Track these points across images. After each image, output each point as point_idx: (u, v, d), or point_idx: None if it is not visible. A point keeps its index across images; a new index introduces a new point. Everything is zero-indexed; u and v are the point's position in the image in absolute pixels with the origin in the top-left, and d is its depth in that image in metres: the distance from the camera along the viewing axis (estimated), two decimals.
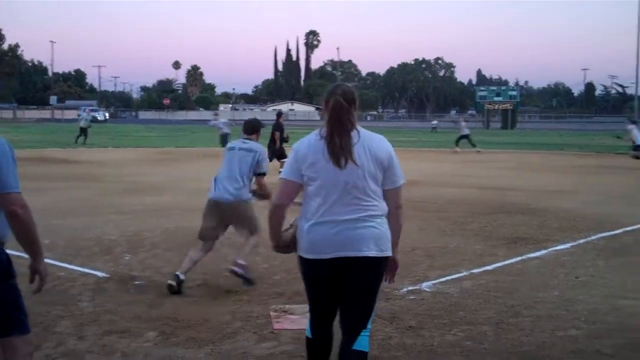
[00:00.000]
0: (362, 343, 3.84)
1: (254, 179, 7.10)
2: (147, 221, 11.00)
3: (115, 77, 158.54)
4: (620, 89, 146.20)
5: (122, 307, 6.30)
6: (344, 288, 3.85)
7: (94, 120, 63.31)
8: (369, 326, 3.90)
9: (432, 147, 37.32)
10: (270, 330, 5.67)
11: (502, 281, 7.38)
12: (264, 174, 7.13)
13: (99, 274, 7.53)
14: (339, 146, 3.72)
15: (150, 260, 8.21)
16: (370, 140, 3.83)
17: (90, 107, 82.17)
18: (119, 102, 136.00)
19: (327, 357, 4.07)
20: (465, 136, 33.00)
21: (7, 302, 3.48)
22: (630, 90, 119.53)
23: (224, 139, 26.75)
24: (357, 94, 3.88)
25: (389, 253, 3.86)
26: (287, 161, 3.97)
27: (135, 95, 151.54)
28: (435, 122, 68.92)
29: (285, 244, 4.02)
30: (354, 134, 3.78)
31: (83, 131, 34.22)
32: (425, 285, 7.11)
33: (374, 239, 3.78)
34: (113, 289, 6.93)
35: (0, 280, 3.44)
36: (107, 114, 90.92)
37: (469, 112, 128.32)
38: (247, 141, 7.28)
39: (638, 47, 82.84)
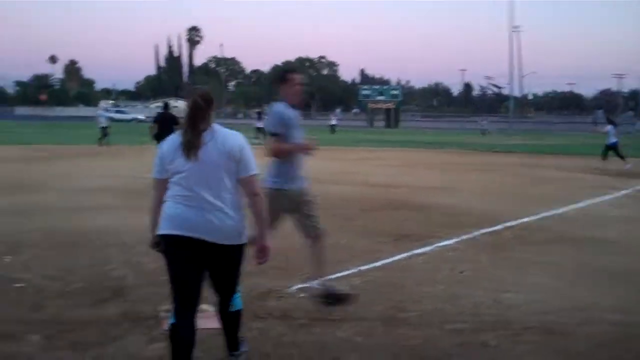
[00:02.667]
0: (236, 303, 4.58)
1: None
2: (24, 221, 10.56)
3: None
4: (496, 90, 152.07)
5: (3, 310, 6.02)
6: (210, 271, 4.32)
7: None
8: (239, 288, 4.55)
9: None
10: (160, 331, 5.55)
11: (390, 277, 7.51)
12: None
13: None
14: (189, 141, 4.15)
15: (31, 262, 7.87)
16: (224, 136, 4.26)
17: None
18: None
19: (192, 349, 4.19)
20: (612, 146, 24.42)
21: None
22: (505, 91, 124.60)
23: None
24: (214, 96, 4.28)
25: (244, 240, 4.31)
26: (154, 161, 4.34)
27: (10, 90, 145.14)
28: (334, 118, 64.95)
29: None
30: (207, 132, 4.19)
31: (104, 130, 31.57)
32: (315, 283, 7.13)
33: (233, 229, 4.22)
34: None
35: None
36: None
37: (353, 110, 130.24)
38: None
39: (511, 49, 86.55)
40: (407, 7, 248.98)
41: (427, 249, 9.06)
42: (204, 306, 6.13)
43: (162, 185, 4.28)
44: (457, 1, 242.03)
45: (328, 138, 47.09)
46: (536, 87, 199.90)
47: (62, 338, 5.34)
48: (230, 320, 4.66)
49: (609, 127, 24.41)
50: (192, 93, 4.25)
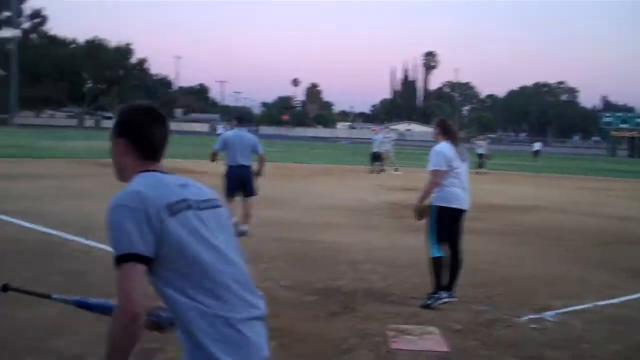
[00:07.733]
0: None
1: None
2: (267, 233, 11.20)
3: (237, 92, 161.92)
4: None
5: None
6: (459, 225, 7.13)
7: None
8: None
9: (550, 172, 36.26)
10: (387, 349, 5.64)
11: (630, 315, 7.07)
12: None
13: None
14: (461, 150, 7.18)
15: (270, 271, 8.32)
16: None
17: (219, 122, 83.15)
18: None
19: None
20: None
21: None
22: None
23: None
24: None
25: None
26: (441, 158, 6.99)
27: (257, 110, 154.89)
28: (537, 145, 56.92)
29: None
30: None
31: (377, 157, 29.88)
32: (547, 315, 6.89)
33: None
34: None
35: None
36: (225, 129, 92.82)
37: (593, 138, 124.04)
38: None
39: None
40: None
41: None
42: (431, 328, 6.18)
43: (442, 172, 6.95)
44: None
45: (550, 166, 45.26)
46: None
47: (293, 347, 5.59)
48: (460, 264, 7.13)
49: None
50: (448, 123, 7.42)
